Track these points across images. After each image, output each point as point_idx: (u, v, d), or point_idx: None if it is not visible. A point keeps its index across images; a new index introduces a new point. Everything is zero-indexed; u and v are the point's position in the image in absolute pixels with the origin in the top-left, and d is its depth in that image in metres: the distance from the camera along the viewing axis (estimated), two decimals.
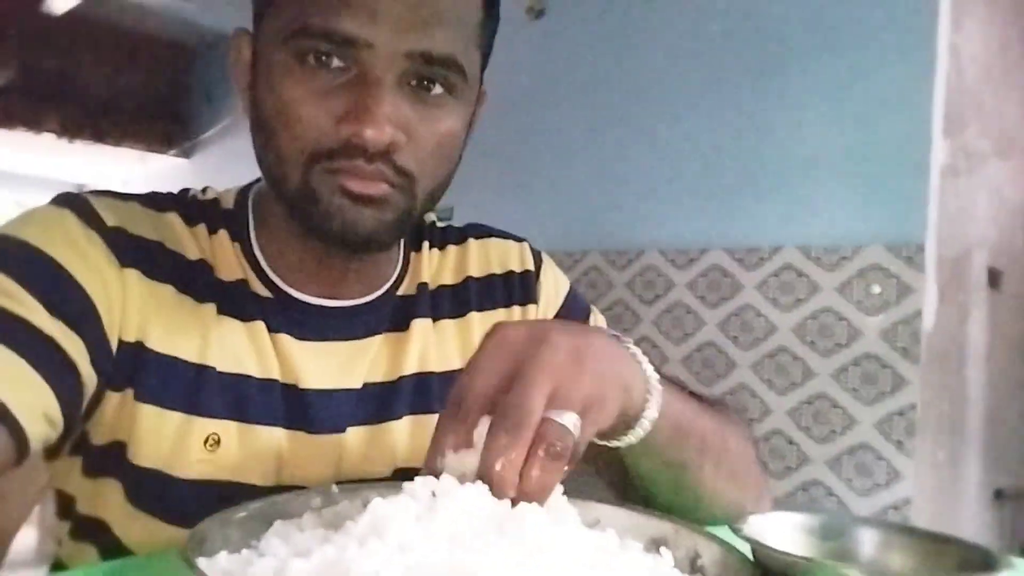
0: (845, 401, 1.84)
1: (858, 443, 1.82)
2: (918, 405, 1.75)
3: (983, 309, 2.13)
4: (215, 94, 4.63)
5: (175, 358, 0.58)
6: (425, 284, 0.70)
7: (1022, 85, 2.37)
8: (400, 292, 0.69)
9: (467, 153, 0.63)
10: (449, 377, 0.68)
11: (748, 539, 0.42)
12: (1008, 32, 2.24)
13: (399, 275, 0.69)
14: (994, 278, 2.20)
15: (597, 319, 0.78)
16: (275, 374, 0.62)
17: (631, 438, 0.50)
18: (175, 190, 0.67)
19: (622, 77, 2.27)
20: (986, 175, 2.11)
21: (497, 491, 0.38)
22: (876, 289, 1.80)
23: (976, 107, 1.99)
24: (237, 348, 0.61)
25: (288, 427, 0.62)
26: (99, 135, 4.93)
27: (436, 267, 0.72)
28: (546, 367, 0.42)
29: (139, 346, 0.57)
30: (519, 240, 0.78)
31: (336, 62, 0.54)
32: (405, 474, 0.46)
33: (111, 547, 0.58)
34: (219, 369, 0.60)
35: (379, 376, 0.66)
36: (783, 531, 0.46)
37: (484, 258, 0.74)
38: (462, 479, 0.39)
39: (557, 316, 0.75)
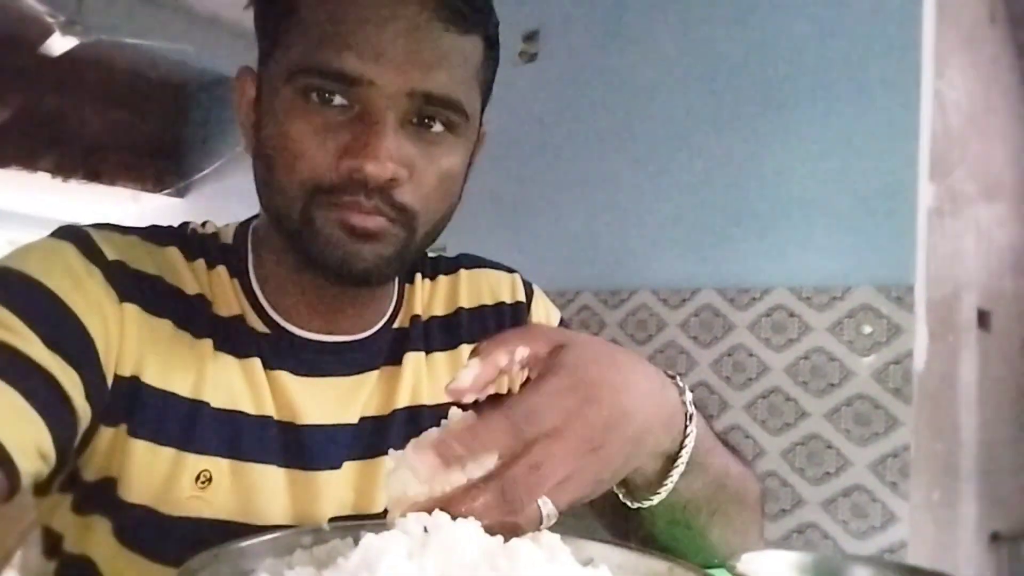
0: (839, 442, 1.83)
1: (852, 484, 1.81)
2: (912, 446, 1.75)
3: (973, 350, 2.14)
4: (209, 134, 4.67)
5: (170, 393, 0.58)
6: (418, 316, 0.71)
7: (1006, 130, 2.42)
8: (395, 325, 0.69)
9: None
10: (441, 410, 0.68)
11: None
12: (989, 79, 2.29)
13: (395, 308, 0.69)
14: (983, 319, 2.22)
15: None
16: (270, 411, 0.61)
17: (652, 500, 0.50)
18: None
19: (613, 119, 2.31)
20: (974, 218, 2.14)
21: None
22: (867, 329, 1.81)
23: (962, 151, 2.03)
24: (232, 384, 0.60)
25: (283, 464, 0.61)
26: (93, 174, 4.94)
27: (428, 297, 0.72)
28: (565, 452, 0.41)
29: (135, 381, 0.57)
30: (510, 271, 0.78)
31: (339, 99, 0.54)
32: None
33: None
34: (213, 405, 0.59)
35: (373, 410, 0.65)
36: (778, 569, 0.45)
37: (475, 289, 0.74)
38: (401, 500, 0.39)
39: None
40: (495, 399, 0.43)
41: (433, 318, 0.72)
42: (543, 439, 0.40)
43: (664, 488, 0.50)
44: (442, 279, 0.74)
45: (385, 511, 0.64)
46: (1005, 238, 2.46)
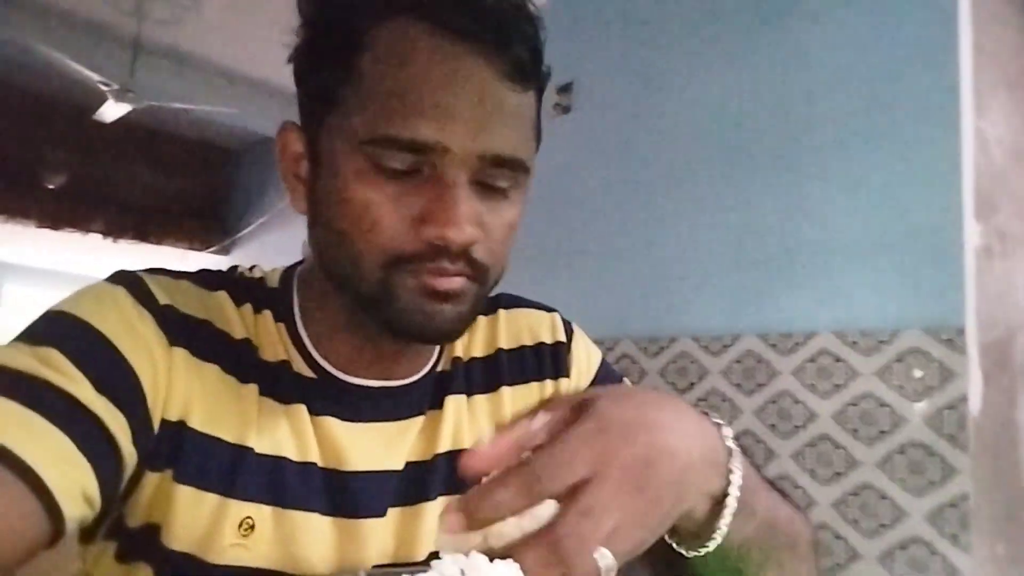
0: (893, 492, 1.76)
1: (910, 537, 1.73)
2: (971, 495, 1.67)
3: None
4: (252, 194, 4.80)
5: (215, 438, 0.58)
6: (459, 358, 0.70)
7: None
8: (439, 368, 0.69)
9: None
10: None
11: None
12: None
13: (439, 352, 0.70)
14: None
15: None
16: (314, 457, 0.61)
17: (708, 547, 0.48)
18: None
19: (649, 167, 2.32)
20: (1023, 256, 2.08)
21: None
22: (918, 373, 1.76)
23: (1006, 190, 1.99)
24: (276, 430, 0.60)
25: (327, 512, 0.60)
26: (142, 235, 5.11)
27: (468, 339, 0.72)
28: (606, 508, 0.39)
29: (181, 425, 0.57)
30: (549, 310, 0.77)
31: (410, 165, 0.54)
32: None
33: None
34: (257, 451, 0.59)
35: (417, 455, 0.65)
36: None
37: (514, 329, 0.74)
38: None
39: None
40: None
41: (473, 359, 0.71)
42: (584, 486, 0.39)
43: (718, 532, 0.47)
44: (481, 320, 0.74)
45: (429, 557, 0.63)
46: None
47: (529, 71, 0.56)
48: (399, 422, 0.64)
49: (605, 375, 0.76)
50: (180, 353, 0.57)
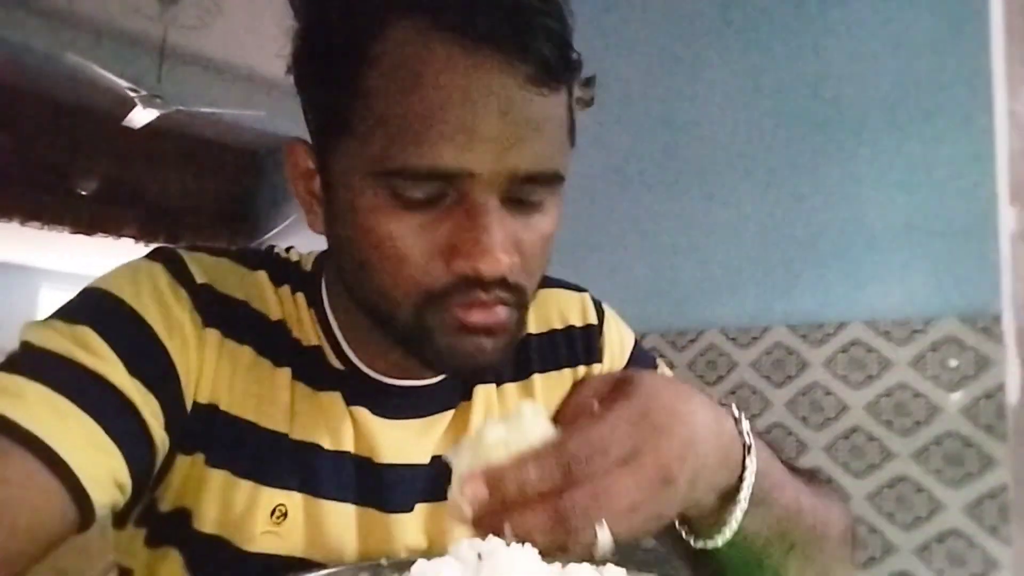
0: (929, 484, 1.73)
1: (948, 529, 1.69)
2: (1010, 486, 1.63)
3: None
4: (280, 195, 4.84)
5: (248, 422, 0.57)
6: None
7: None
8: None
9: None
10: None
11: None
12: None
13: None
14: None
15: (664, 373, 0.74)
16: (348, 446, 0.59)
17: (716, 541, 0.47)
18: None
19: (676, 158, 2.29)
20: None
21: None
22: (953, 363, 1.72)
23: None
24: (309, 417, 0.59)
25: (358, 503, 0.59)
26: (173, 238, 5.19)
27: None
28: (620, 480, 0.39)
29: (213, 409, 0.56)
30: (579, 290, 0.74)
31: (433, 192, 0.49)
32: None
33: None
34: (291, 437, 0.58)
35: (444, 449, 0.63)
36: None
37: (543, 312, 0.71)
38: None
39: None
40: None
41: None
42: (614, 468, 0.39)
43: (727, 527, 0.47)
44: None
45: None
46: None
47: (557, 69, 0.49)
48: (429, 417, 0.63)
49: (639, 359, 0.74)
50: (213, 334, 0.56)
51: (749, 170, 2.12)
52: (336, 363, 0.61)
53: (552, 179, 0.51)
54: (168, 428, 0.53)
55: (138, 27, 3.89)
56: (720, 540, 0.48)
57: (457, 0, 0.47)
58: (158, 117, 3.94)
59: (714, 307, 2.15)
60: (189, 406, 0.55)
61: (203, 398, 0.55)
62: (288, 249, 0.66)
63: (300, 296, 0.62)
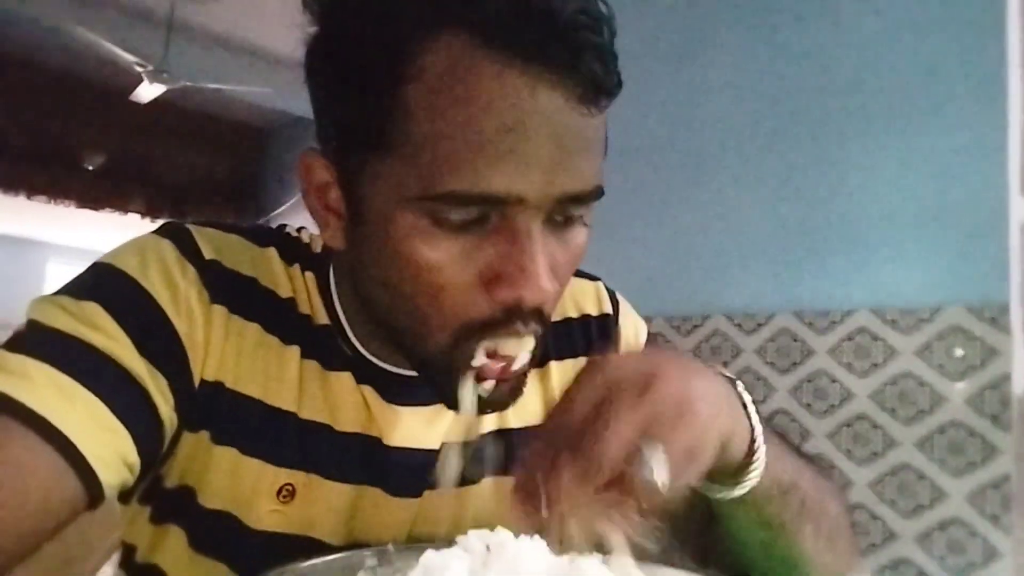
0: (932, 472, 1.73)
1: (949, 517, 1.70)
2: (1013, 476, 1.63)
3: None
4: (286, 172, 4.84)
5: (255, 400, 0.56)
6: None
7: None
8: None
9: None
10: (527, 433, 0.64)
11: None
12: None
13: None
14: None
15: None
16: (358, 427, 0.59)
17: (735, 492, 0.48)
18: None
19: (684, 143, 2.28)
20: None
21: (551, 546, 0.36)
22: (959, 352, 1.72)
23: None
24: (318, 396, 0.58)
25: (366, 483, 0.59)
26: (180, 213, 5.19)
27: None
28: (641, 408, 0.40)
29: (219, 386, 0.55)
30: (593, 279, 0.74)
31: (476, 216, 0.47)
32: None
33: None
34: (300, 415, 0.57)
35: (454, 436, 0.62)
36: None
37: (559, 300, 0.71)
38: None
39: None
40: None
41: None
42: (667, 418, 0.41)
43: (754, 468, 0.48)
44: None
45: None
46: None
47: (606, 87, 0.48)
48: (438, 406, 0.61)
49: (653, 347, 0.74)
50: (219, 311, 0.55)
51: (756, 157, 2.11)
52: (344, 348, 0.60)
53: (595, 195, 0.50)
54: (177, 408, 0.53)
55: (145, 2, 3.87)
56: (748, 484, 0.48)
57: (505, 14, 0.44)
58: (165, 92, 3.93)
59: (720, 292, 2.15)
60: (196, 384, 0.54)
61: (210, 375, 0.55)
62: (299, 229, 0.65)
63: (310, 276, 0.61)
